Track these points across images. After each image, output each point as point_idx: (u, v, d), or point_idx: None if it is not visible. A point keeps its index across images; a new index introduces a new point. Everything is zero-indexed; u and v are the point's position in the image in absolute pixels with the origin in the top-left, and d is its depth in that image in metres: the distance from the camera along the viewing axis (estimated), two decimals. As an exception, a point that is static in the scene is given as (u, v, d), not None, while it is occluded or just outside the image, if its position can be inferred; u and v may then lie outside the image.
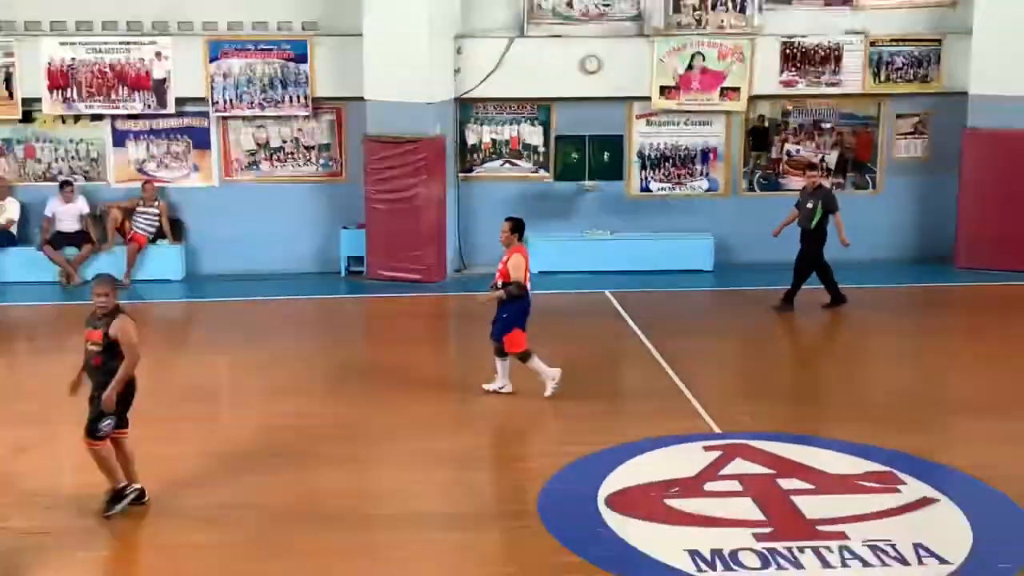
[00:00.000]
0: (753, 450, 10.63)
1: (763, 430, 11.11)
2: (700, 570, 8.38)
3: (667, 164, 17.53)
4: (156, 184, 17.07)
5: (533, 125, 17.42)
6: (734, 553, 8.60)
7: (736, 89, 17.07)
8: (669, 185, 17.48)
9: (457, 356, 14.83)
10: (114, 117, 17.01)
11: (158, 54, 16.72)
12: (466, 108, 17.20)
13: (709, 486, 9.90)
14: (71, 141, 17.17)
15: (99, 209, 16.98)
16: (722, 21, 17.18)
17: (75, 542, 8.87)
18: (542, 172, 17.55)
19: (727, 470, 10.10)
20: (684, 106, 17.21)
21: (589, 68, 16.89)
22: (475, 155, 17.41)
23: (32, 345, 15.09)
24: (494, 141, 17.45)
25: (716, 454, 10.56)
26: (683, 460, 10.40)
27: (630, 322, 14.84)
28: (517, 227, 12.01)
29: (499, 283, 11.96)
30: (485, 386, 12.42)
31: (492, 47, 16.87)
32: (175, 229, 17.14)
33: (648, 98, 17.13)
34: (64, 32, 16.70)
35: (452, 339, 15.56)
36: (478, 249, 17.44)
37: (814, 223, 14.88)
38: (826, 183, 16.09)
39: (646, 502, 9.51)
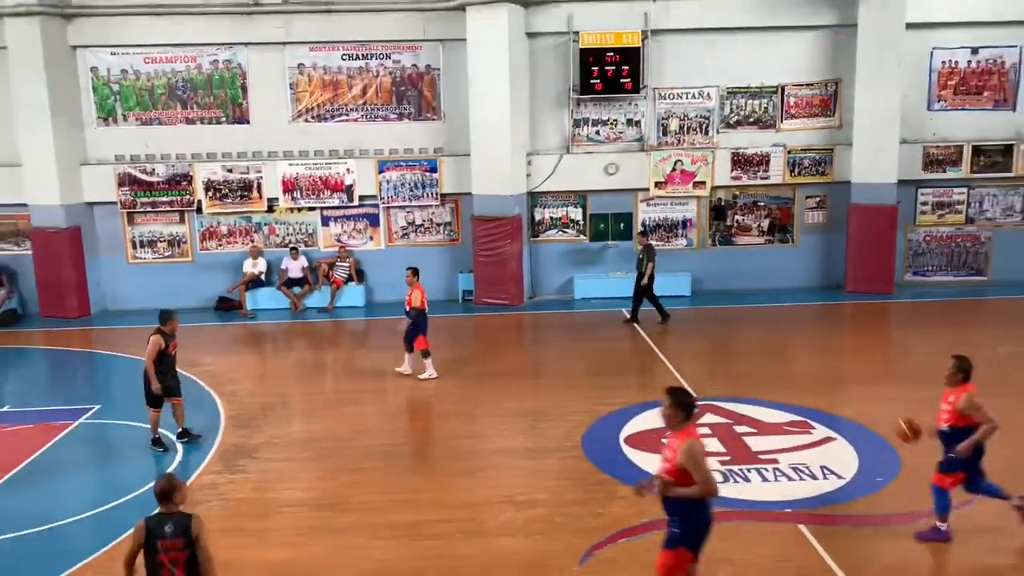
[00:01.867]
0: (718, 407, 10.87)
1: (723, 395, 11.31)
2: (684, 481, 8.61)
3: (660, 229, 17.69)
4: (347, 248, 17.58)
5: (575, 207, 17.68)
6: (706, 470, 8.82)
7: (703, 182, 17.25)
8: (661, 243, 17.55)
9: (530, 349, 15.01)
10: (322, 208, 17.48)
11: (348, 169, 17.25)
12: (534, 197, 17.51)
13: (690, 430, 10.17)
14: (296, 223, 17.65)
15: (314, 263, 17.46)
16: (693, 140, 17.39)
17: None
18: (581, 236, 17.78)
19: (702, 421, 10.34)
20: (670, 194, 17.37)
21: (610, 171, 17.18)
22: (540, 226, 17.69)
23: (274, 346, 15.54)
24: (551, 218, 17.71)
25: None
26: (673, 414, 10.67)
27: (639, 329, 15.07)
28: (415, 272, 12.61)
29: (407, 309, 12.43)
30: (398, 369, 12.58)
31: (549, 160, 17.21)
32: (359, 275, 17.61)
33: (647, 189, 17.31)
34: (292, 158, 17.26)
35: (527, 340, 15.70)
36: (543, 284, 17.78)
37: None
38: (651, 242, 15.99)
39: (649, 441, 9.82)
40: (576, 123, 17.26)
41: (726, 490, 8.45)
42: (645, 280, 15.16)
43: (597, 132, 17.31)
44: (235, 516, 8.37)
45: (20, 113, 16.16)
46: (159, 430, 10.17)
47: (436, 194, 17.34)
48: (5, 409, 11.71)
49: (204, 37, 16.71)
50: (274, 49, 16.93)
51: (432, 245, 17.74)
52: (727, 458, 9.35)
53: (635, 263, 15.79)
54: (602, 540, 7.71)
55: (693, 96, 17.25)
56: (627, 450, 9.67)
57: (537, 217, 17.66)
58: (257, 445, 10.16)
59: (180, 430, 10.25)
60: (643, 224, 17.47)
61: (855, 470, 8.99)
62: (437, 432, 10.48)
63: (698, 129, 17.38)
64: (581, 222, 17.70)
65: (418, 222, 17.72)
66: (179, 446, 10.15)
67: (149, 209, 17.18)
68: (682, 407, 5.89)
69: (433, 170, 17.24)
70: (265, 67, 17.01)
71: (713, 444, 9.65)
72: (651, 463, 9.05)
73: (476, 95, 16.38)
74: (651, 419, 10.37)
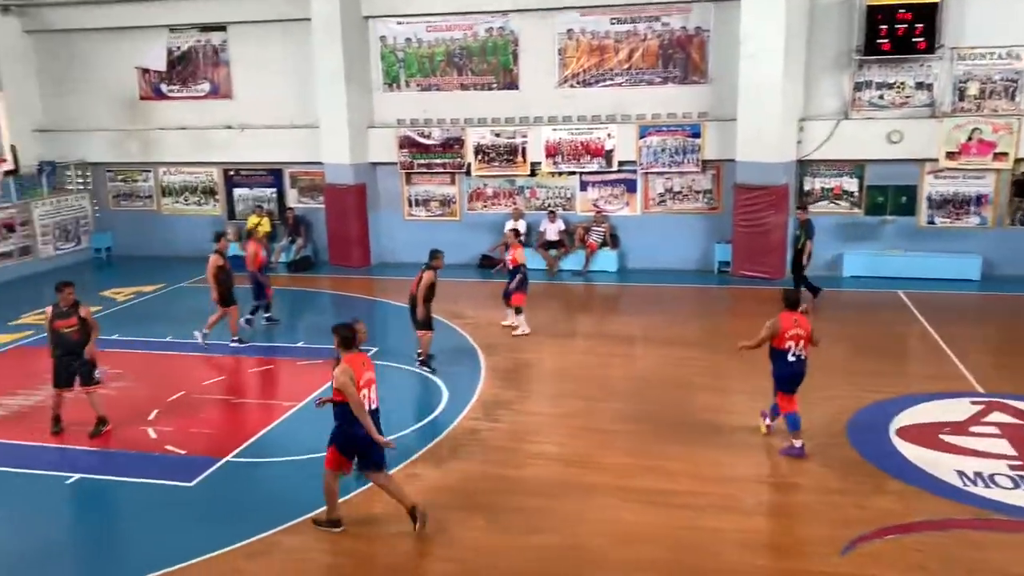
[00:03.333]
0: (1007, 406, 9.82)
1: (1015, 391, 10.13)
2: (965, 484, 7.94)
3: (948, 205, 16.00)
4: (603, 213, 17.68)
5: (851, 177, 16.46)
6: (992, 476, 8.09)
7: (1005, 154, 15.33)
8: (948, 220, 15.93)
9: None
10: (581, 173, 17.67)
11: (608, 134, 17.27)
12: (804, 166, 16.50)
13: (974, 429, 9.28)
14: (556, 187, 18.00)
15: (570, 227, 17.76)
16: (996, 107, 15.45)
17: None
18: (855, 209, 16.55)
19: (988, 419, 9.46)
20: (963, 165, 15.62)
21: (893, 139, 15.77)
22: (808, 197, 16.65)
23: (529, 304, 15.89)
24: (822, 188, 16.62)
25: (979, 407, 9.86)
26: (954, 410, 9.77)
27: (916, 313, 13.86)
28: (517, 233, 13.44)
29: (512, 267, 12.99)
30: (503, 323, 13.37)
31: (824, 126, 16.13)
32: (614, 240, 17.66)
33: (936, 159, 15.69)
34: (556, 123, 17.58)
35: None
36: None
37: None
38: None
39: (925, 435, 9.09)
40: (857, 86, 15.98)
41: (1017, 498, 7.57)
42: (805, 259, 14.32)
43: (880, 96, 15.92)
44: (493, 463, 8.76)
45: (320, 79, 17.81)
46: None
47: (697, 160, 16.89)
48: (300, 344, 13.09)
49: (481, 5, 17.39)
50: (545, 15, 17.25)
51: (689, 213, 17.34)
52: (1019, 463, 8.33)
53: (794, 240, 14.95)
54: (868, 533, 7.19)
55: (999, 57, 15.28)
56: (899, 443, 8.92)
57: (806, 187, 16.64)
58: (513, 398, 10.58)
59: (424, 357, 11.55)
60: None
61: None
62: (688, 403, 10.28)
63: (1002, 94, 15.42)
64: (856, 194, 16.46)
65: (676, 189, 17.39)
66: (445, 392, 10.78)
67: (424, 170, 18.32)
68: (337, 336, 7.20)
69: (696, 135, 16.79)
70: (535, 33, 17.40)
71: (1002, 446, 8.68)
72: (927, 459, 8.35)
73: (747, 57, 15.65)
74: (930, 412, 9.57)
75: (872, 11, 15.19)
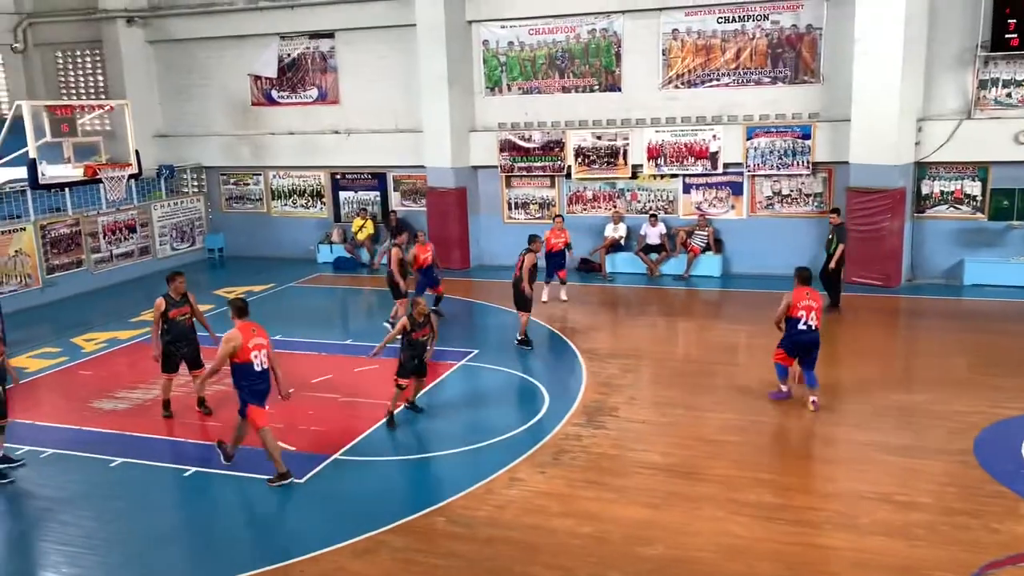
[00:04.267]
0: None
1: None
2: (1111, 510, 7.32)
3: (1081, 211, 15.02)
4: (707, 216, 17.33)
5: (973, 180, 15.62)
6: None
7: None
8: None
9: (904, 336, 13.71)
10: (684, 175, 17.39)
11: (713, 136, 16.93)
12: (922, 168, 15.76)
13: (1117, 450, 8.56)
14: (658, 190, 17.77)
15: (672, 231, 17.49)
16: None
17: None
18: (978, 214, 15.70)
19: None
20: (1103, 167, 14.60)
21: (1021, 140, 14.84)
22: (926, 201, 15.90)
23: (629, 309, 15.58)
24: (941, 192, 15.83)
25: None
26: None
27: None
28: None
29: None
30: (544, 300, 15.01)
31: (944, 126, 15.36)
32: (717, 245, 17.29)
33: (1072, 161, 14.73)
34: (659, 125, 17.34)
35: (902, 325, 14.34)
36: (926, 265, 16.03)
37: None
38: None
39: (1065, 456, 8.42)
40: (982, 84, 15.14)
41: None
42: (833, 263, 14.07)
43: (1008, 95, 15.05)
44: (596, 470, 8.67)
45: (424, 84, 18.09)
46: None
47: (807, 162, 16.36)
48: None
49: (585, 7, 17.32)
50: (650, 16, 17.04)
51: (798, 217, 16.81)
52: None
53: (824, 244, 14.66)
54: (1000, 559, 6.77)
55: None
56: (1032, 463, 8.36)
57: (924, 190, 15.90)
58: (616, 404, 10.44)
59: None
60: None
61: None
62: (797, 415, 9.94)
63: None
64: (979, 198, 15.61)
65: (785, 192, 16.89)
66: (547, 397, 10.75)
67: (524, 173, 18.37)
68: (232, 307, 8.61)
69: (806, 137, 16.26)
70: (639, 34, 17.21)
71: None
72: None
73: (862, 54, 15.06)
74: (1066, 431, 8.90)
75: (1000, 3, 14.40)
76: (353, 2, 18.84)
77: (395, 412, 10.06)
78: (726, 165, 16.95)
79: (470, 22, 18.22)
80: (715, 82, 16.94)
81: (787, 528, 7.44)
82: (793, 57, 16.40)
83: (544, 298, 15.28)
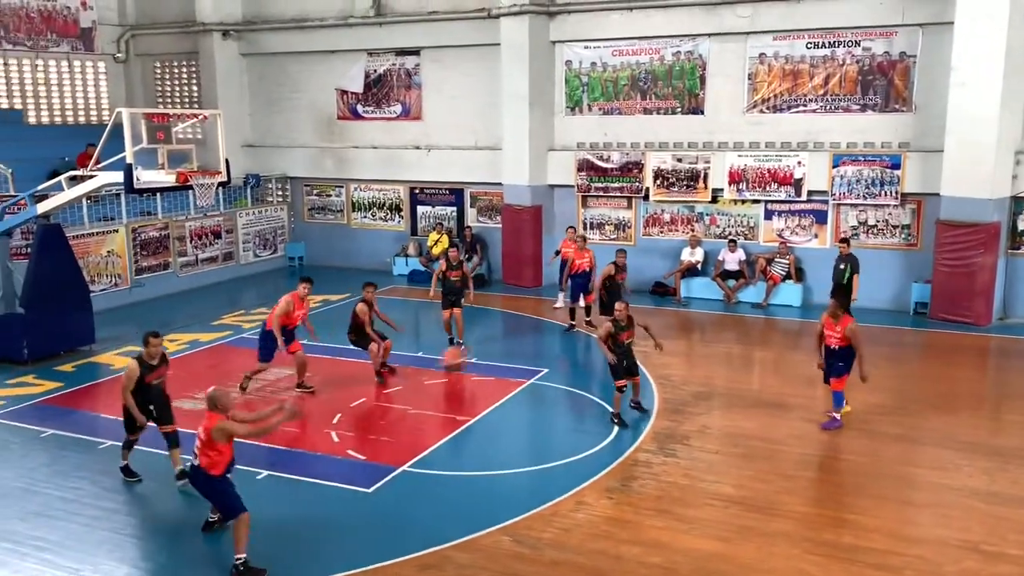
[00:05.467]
0: None
1: None
2: None
3: None
4: (788, 244, 16.94)
5: (1075, 217, 14.90)
6: None
7: None
8: None
9: (995, 378, 13.12)
10: (767, 201, 17.06)
11: (798, 162, 16.58)
12: (1019, 203, 15.09)
13: None
14: (738, 215, 17.46)
15: (751, 257, 17.14)
16: None
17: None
18: (1080, 252, 14.95)
19: None
20: None
21: None
22: (1022, 237, 15.20)
23: (704, 336, 15.44)
24: (1041, 228, 15.15)
25: None
26: None
27: None
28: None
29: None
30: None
31: (1046, 159, 14.68)
32: (798, 274, 16.87)
33: None
34: (742, 150, 17.05)
35: (991, 366, 13.71)
36: (1019, 304, 15.30)
37: None
38: None
39: None
40: (1087, 118, 14.45)
41: None
42: (855, 296, 13.98)
43: (1118, 128, 14.31)
44: (667, 499, 8.48)
45: (505, 102, 18.22)
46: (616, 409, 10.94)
47: (896, 193, 15.86)
48: (472, 361, 13.30)
49: (671, 29, 17.21)
50: (737, 39, 16.83)
51: (884, 248, 16.31)
52: None
53: (833, 273, 14.52)
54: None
55: None
56: None
57: (1020, 226, 15.23)
58: (688, 432, 10.23)
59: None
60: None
61: None
62: (879, 454, 9.56)
63: None
64: (1081, 235, 14.87)
65: (871, 222, 16.40)
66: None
67: (601, 193, 18.28)
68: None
69: (895, 166, 15.76)
70: (725, 57, 17.01)
71: None
72: None
73: (958, 84, 14.55)
74: None
75: (1110, 34, 13.74)
76: (440, 21, 19.13)
77: (619, 412, 10.41)
78: (810, 192, 16.56)
79: (554, 42, 18.29)
80: (802, 108, 16.60)
81: (866, 571, 7.14)
82: (884, 85, 15.95)
83: (558, 304, 15.95)
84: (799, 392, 11.69)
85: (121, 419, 8.92)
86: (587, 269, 14.79)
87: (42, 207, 12.90)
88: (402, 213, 20.88)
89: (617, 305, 10.65)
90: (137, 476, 8.98)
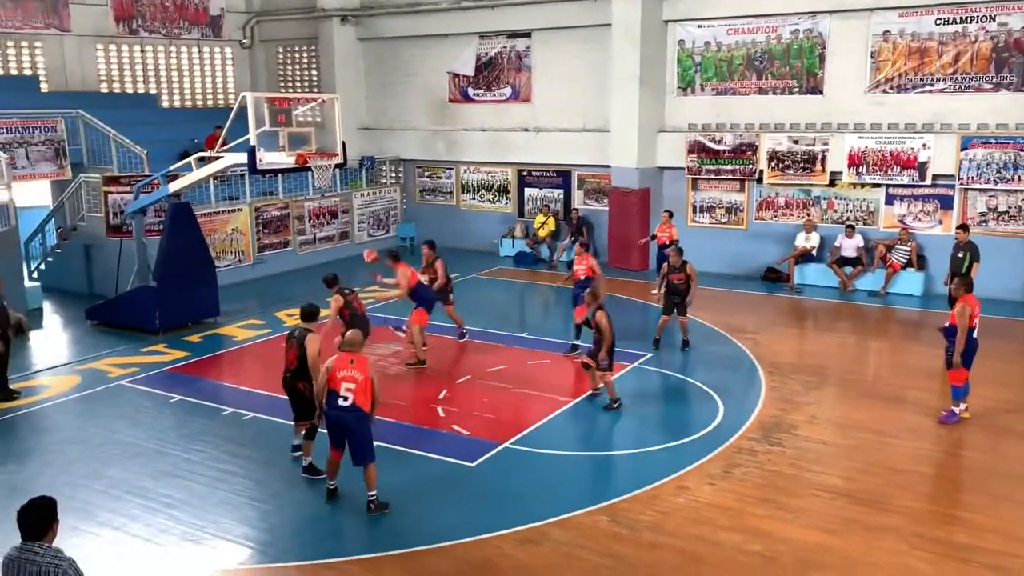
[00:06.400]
0: None
1: None
2: None
3: None
4: (910, 230, 16.19)
5: None
6: None
7: None
8: None
9: None
10: (888, 185, 16.37)
11: (923, 144, 15.80)
12: None
13: None
14: (857, 199, 16.85)
15: (870, 244, 16.48)
16: None
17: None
18: None
19: None
20: None
21: None
22: None
23: (817, 324, 14.96)
24: None
25: None
26: None
27: None
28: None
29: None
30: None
31: None
32: (920, 261, 16.12)
33: None
34: (863, 131, 16.39)
35: None
36: None
37: None
38: None
39: None
40: None
41: None
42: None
43: None
44: (771, 487, 8.35)
45: (615, 83, 18.09)
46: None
47: (1034, 178, 14.92)
48: (574, 342, 13.34)
49: (789, 7, 16.68)
50: (860, 16, 16.15)
51: (1016, 236, 15.43)
52: None
53: (950, 261, 13.33)
54: None
55: None
56: None
57: None
58: (796, 421, 10.00)
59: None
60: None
61: None
62: (1000, 451, 9.10)
63: None
64: None
65: (1002, 208, 15.49)
66: (721, 407, 10.47)
67: (712, 176, 17.94)
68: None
69: (1032, 150, 14.82)
70: (847, 35, 16.36)
71: None
72: None
73: (1107, 60, 13.52)
74: None
75: None
76: (551, 2, 19.13)
77: (618, 398, 10.48)
78: (935, 176, 15.81)
79: (666, 22, 18.01)
80: (928, 87, 15.80)
81: (979, 571, 6.85)
82: (1021, 62, 15.00)
83: (655, 290, 15.03)
84: (916, 385, 11.23)
85: (288, 399, 8.87)
86: (583, 278, 12.80)
87: (173, 186, 13.72)
88: (509, 195, 21.07)
89: (670, 250, 12.21)
90: (322, 473, 8.40)
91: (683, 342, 12.67)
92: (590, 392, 10.89)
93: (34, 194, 18.55)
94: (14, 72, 19.62)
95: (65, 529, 7.24)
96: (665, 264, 12.94)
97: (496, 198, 21.31)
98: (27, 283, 15.97)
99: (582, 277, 12.83)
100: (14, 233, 14.95)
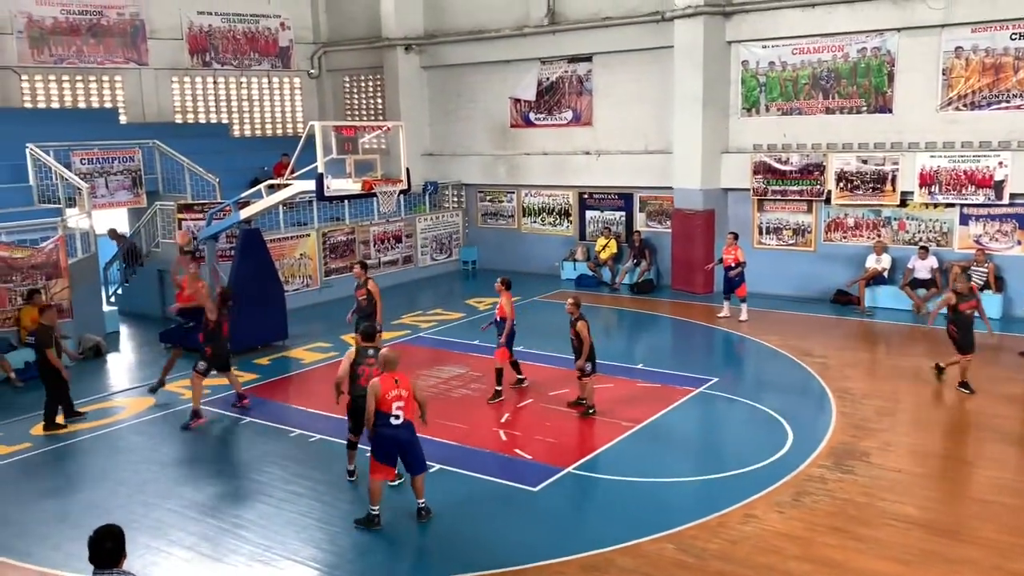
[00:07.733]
0: None
1: None
2: None
3: None
4: (987, 251, 15.66)
5: None
6: None
7: None
8: None
9: None
10: (963, 205, 15.91)
11: (1000, 163, 15.31)
12: None
13: None
14: (930, 219, 16.41)
15: (944, 265, 15.99)
16: None
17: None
18: None
19: None
20: None
21: None
22: None
23: (889, 348, 14.56)
24: None
25: None
26: None
27: None
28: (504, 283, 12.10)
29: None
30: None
31: None
32: (998, 283, 15.59)
33: None
34: (934, 150, 15.97)
35: None
36: None
37: None
38: None
39: None
40: None
41: None
42: None
43: None
44: (842, 516, 8.11)
45: (677, 105, 18.02)
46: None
47: (1117, 195, 14.31)
48: (639, 367, 13.26)
49: (855, 25, 16.41)
50: (929, 33, 15.80)
51: (1102, 257, 14.73)
52: None
53: None
54: None
55: None
56: None
57: None
58: (869, 449, 9.71)
59: None
60: None
61: None
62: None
63: None
64: None
65: (1086, 228, 14.88)
66: (790, 434, 10.23)
67: (779, 197, 17.67)
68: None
69: (1117, 166, 14.22)
70: (916, 52, 16.01)
71: None
72: None
73: None
74: None
75: None
76: (613, 26, 19.20)
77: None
78: (1012, 196, 15.28)
79: (729, 42, 17.89)
80: (1004, 104, 15.33)
81: (1068, 610, 6.52)
82: (1105, 75, 14.46)
83: (723, 313, 15.78)
84: (997, 411, 10.81)
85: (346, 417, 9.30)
86: (500, 319, 11.84)
87: (244, 213, 14.12)
88: (571, 218, 21.09)
89: (955, 270, 12.00)
90: (378, 525, 8.27)
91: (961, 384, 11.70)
92: (576, 399, 11.26)
93: (113, 221, 19.29)
94: (96, 105, 20.53)
95: (139, 547, 7.42)
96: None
97: (557, 221, 21.35)
98: (105, 307, 16.57)
99: (500, 318, 11.86)
100: (94, 259, 15.56)
